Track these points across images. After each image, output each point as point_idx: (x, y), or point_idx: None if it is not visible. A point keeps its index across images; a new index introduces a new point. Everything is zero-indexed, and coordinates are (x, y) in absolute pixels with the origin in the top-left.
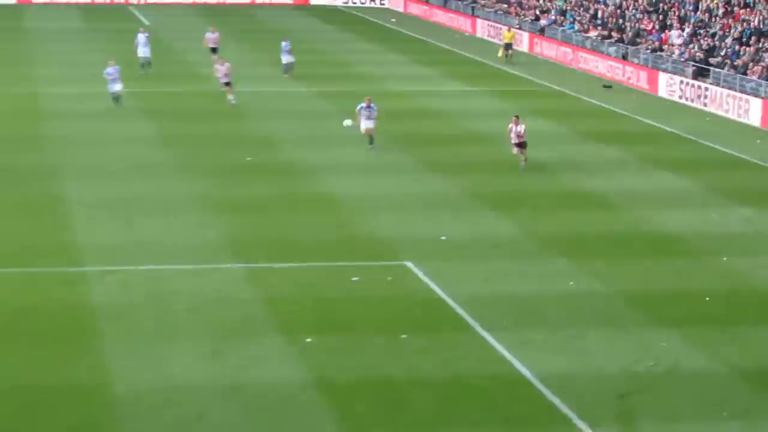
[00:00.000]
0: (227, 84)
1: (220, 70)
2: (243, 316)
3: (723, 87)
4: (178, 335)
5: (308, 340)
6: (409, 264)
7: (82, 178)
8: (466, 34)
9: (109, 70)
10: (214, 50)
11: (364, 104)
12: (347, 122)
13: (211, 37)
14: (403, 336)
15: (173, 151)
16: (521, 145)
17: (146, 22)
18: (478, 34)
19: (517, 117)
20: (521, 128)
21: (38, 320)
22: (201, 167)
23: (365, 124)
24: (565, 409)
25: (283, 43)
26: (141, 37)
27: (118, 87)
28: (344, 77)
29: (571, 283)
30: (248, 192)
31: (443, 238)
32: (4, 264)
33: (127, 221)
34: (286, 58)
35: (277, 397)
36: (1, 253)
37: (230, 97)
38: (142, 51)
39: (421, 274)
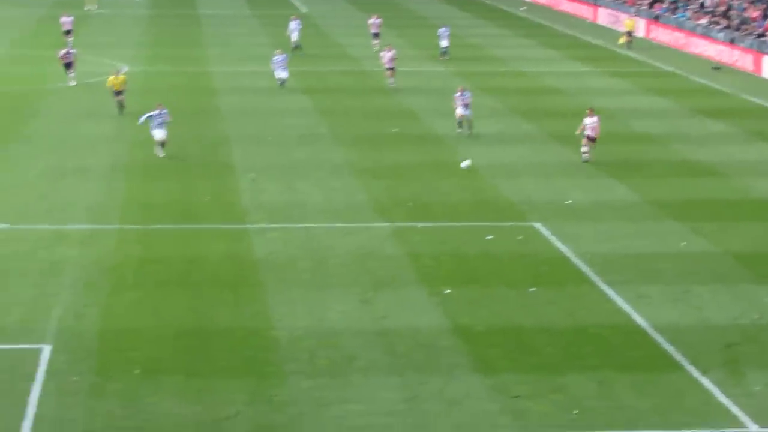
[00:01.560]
0: (390, 69)
1: (386, 56)
2: (389, 269)
3: None
4: (331, 286)
5: (447, 291)
6: (537, 225)
7: (249, 145)
8: (588, 21)
9: (277, 58)
10: (376, 35)
11: (458, 93)
12: (465, 163)
13: (374, 22)
14: (532, 289)
15: (328, 123)
16: (592, 139)
17: (303, 10)
18: (599, 22)
19: (591, 110)
20: (594, 120)
21: (207, 271)
22: (352, 137)
23: (460, 111)
24: (678, 356)
25: (442, 29)
26: (293, 24)
27: (284, 74)
28: (479, 58)
29: (684, 243)
30: (393, 159)
31: (568, 201)
32: (179, 220)
33: (287, 184)
34: (444, 43)
35: (419, 341)
36: (178, 210)
37: (390, 80)
38: (294, 35)
39: (548, 234)
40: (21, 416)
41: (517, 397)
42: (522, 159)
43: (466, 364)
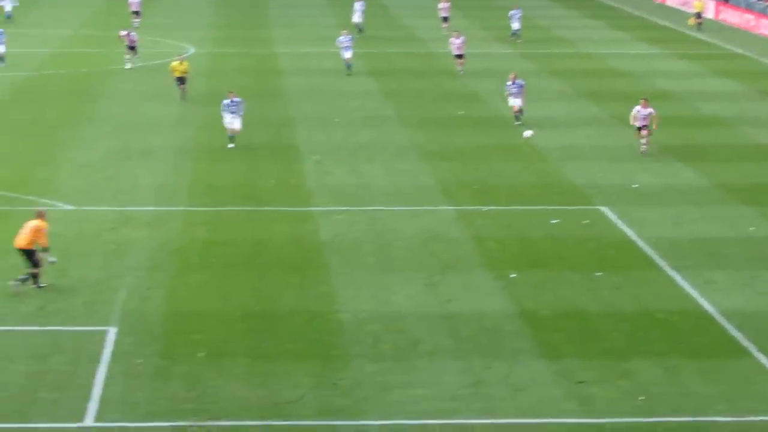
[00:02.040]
0: (459, 56)
1: (455, 42)
2: (454, 252)
3: None
4: (396, 269)
5: (512, 275)
6: (604, 209)
7: (314, 127)
8: (656, 2)
9: (342, 38)
10: (445, 19)
11: (510, 81)
12: (527, 133)
13: (444, 6)
14: (598, 273)
15: (393, 105)
16: (646, 129)
17: None
18: (668, 3)
19: (645, 100)
20: (648, 111)
21: (272, 254)
22: (417, 119)
23: (512, 102)
24: (745, 342)
25: (513, 11)
26: (357, 5)
27: (348, 54)
28: (546, 40)
29: (752, 228)
30: (459, 141)
31: (635, 185)
32: (245, 202)
33: (352, 166)
34: (515, 25)
35: (484, 325)
36: (244, 193)
37: (459, 68)
38: (357, 17)
39: (614, 218)
40: (86, 398)
41: (582, 382)
42: (588, 142)
43: (531, 349)
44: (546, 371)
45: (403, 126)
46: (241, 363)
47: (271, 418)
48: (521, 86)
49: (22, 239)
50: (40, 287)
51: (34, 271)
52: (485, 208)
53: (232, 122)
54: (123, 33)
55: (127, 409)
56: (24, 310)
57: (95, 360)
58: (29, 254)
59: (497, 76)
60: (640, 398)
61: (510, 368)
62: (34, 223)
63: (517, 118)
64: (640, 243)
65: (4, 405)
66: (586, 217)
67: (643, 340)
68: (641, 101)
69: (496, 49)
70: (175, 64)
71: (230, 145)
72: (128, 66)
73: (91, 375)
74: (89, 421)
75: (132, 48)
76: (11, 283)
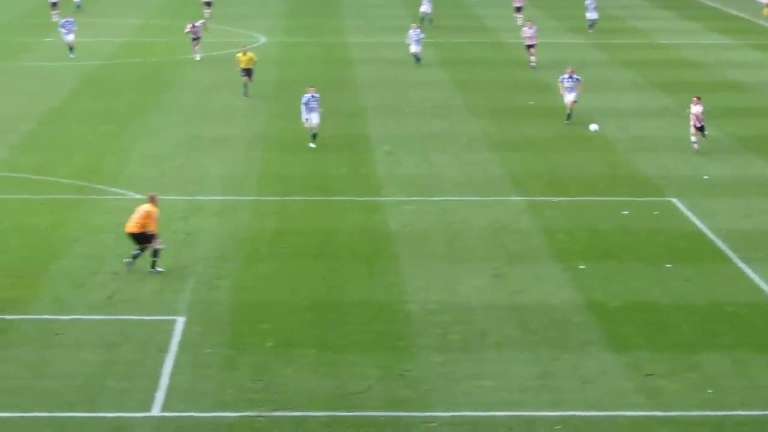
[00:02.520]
0: (531, 47)
1: (527, 32)
2: (523, 243)
3: None
4: (465, 260)
5: (581, 266)
6: (674, 200)
7: (384, 117)
8: None
9: (412, 32)
10: (518, 9)
11: (566, 75)
12: (593, 127)
13: None
14: (668, 265)
15: (463, 95)
16: (700, 129)
17: None
18: None
19: (698, 98)
20: (699, 109)
21: (341, 244)
22: (488, 109)
23: (568, 97)
24: None
25: (589, 1)
26: None
27: (417, 48)
28: (618, 30)
29: None
30: (529, 132)
31: (705, 177)
32: (315, 192)
33: (422, 157)
34: (591, 15)
35: (552, 317)
36: (314, 182)
37: (532, 58)
38: (426, 7)
39: (684, 210)
40: (154, 387)
41: (651, 375)
42: (659, 133)
43: (599, 341)
44: (615, 363)
45: (474, 116)
46: (308, 353)
47: (338, 409)
48: (578, 81)
49: (132, 224)
50: (157, 271)
51: (150, 251)
52: (555, 199)
53: (311, 118)
54: (188, 28)
55: (195, 399)
56: (93, 299)
57: (163, 349)
58: (139, 238)
59: (568, 67)
60: (708, 391)
61: (578, 360)
62: (145, 207)
63: (568, 117)
64: (711, 235)
65: (72, 394)
66: (657, 209)
67: (713, 333)
68: (694, 99)
69: (568, 39)
70: (239, 55)
71: (312, 145)
72: (198, 57)
73: (159, 364)
74: (157, 410)
75: (196, 39)
76: (125, 261)
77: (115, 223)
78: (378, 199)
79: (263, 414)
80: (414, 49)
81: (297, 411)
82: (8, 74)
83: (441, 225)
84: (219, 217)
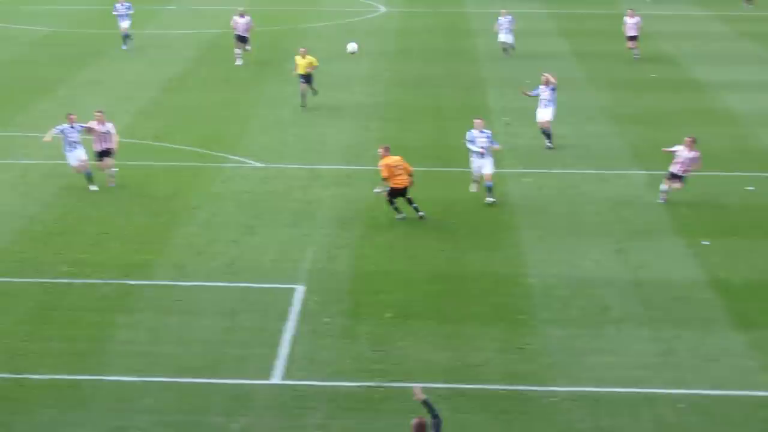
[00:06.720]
0: (632, 38)
1: (629, 22)
2: (645, 218)
3: None
4: (585, 233)
5: (704, 242)
6: None
7: (504, 88)
8: None
9: (501, 19)
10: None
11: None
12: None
13: None
14: None
15: (584, 67)
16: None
17: None
18: None
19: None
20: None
21: (460, 215)
22: (609, 81)
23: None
24: None
25: None
26: None
27: (509, 38)
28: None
29: None
30: (651, 105)
31: None
32: (433, 162)
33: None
34: None
35: (674, 293)
36: (432, 153)
37: (635, 51)
38: (505, 36)
39: None
40: (273, 355)
41: None
42: None
43: (723, 319)
44: (738, 342)
45: (594, 88)
46: (427, 325)
47: (457, 382)
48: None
49: (405, 177)
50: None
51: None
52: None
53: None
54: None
55: (314, 368)
56: (213, 266)
57: (282, 318)
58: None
59: (688, 39)
60: None
61: (701, 338)
62: (394, 158)
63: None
64: None
65: (194, 360)
66: None
67: None
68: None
69: (690, 11)
70: (297, 57)
71: (489, 199)
72: (239, 63)
73: (278, 333)
74: (276, 379)
75: (242, 39)
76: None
77: (235, 190)
78: (497, 171)
79: (382, 384)
80: (504, 38)
81: (415, 382)
82: (133, 41)
83: (561, 198)
84: (338, 187)
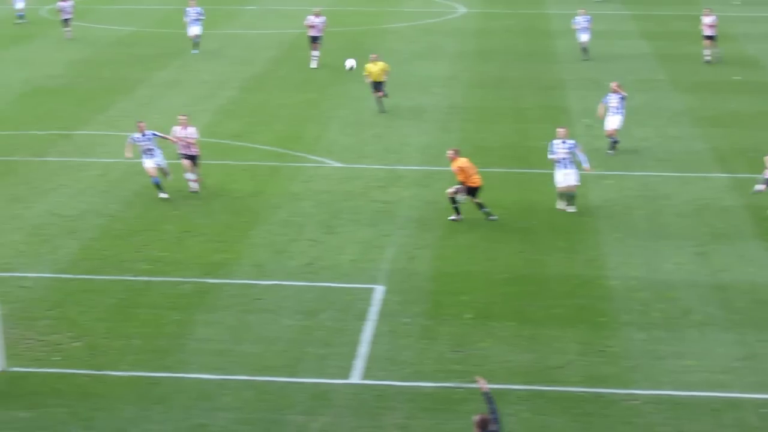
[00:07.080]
0: (710, 37)
1: (705, 21)
2: (727, 221)
3: None
4: (667, 236)
5: None
6: None
7: (585, 90)
8: None
9: (579, 18)
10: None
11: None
12: (350, 63)
13: None
14: None
15: (666, 68)
16: None
17: None
18: None
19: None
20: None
21: (540, 216)
22: (691, 83)
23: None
24: None
25: None
26: None
27: (586, 37)
28: None
29: None
30: (735, 107)
31: None
32: (514, 164)
33: (624, 131)
34: None
35: (757, 297)
36: (513, 154)
37: (707, 52)
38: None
39: None
40: (353, 355)
41: None
42: None
43: None
44: None
45: (677, 90)
46: (507, 326)
47: (537, 383)
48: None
49: (478, 177)
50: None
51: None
52: (760, 177)
53: (613, 122)
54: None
55: (394, 368)
56: (293, 265)
57: (362, 317)
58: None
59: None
60: None
61: None
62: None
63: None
64: None
65: (273, 359)
66: None
67: None
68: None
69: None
70: (368, 65)
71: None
72: (314, 65)
73: (358, 332)
74: (356, 378)
75: (314, 39)
76: (491, 217)
77: (315, 190)
78: (578, 172)
79: (462, 386)
80: (583, 37)
81: (496, 384)
82: (212, 41)
83: (642, 200)
84: (417, 187)
